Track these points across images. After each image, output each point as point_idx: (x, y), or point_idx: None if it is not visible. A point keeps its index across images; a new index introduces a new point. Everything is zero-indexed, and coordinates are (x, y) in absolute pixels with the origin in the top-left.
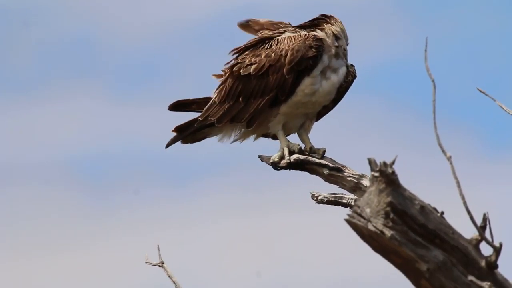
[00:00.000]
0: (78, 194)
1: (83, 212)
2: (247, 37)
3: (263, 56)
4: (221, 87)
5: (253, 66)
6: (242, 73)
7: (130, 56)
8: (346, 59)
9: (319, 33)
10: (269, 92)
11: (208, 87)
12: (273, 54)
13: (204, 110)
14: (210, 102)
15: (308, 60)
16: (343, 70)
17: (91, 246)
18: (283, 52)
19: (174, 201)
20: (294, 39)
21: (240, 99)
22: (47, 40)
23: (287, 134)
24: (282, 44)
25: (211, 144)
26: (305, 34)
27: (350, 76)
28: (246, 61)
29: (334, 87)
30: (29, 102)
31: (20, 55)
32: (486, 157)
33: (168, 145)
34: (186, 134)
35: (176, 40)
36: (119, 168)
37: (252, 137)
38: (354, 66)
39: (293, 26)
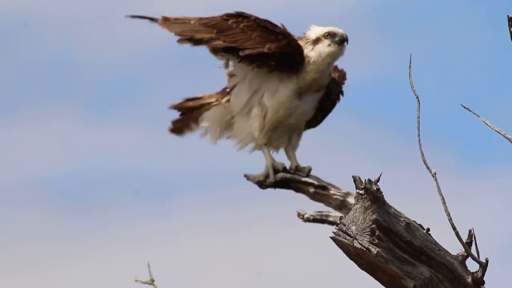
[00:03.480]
0: (56, 215)
1: (63, 232)
2: None
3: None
4: None
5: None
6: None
7: (107, 77)
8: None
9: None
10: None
11: None
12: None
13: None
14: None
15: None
16: (317, 95)
17: (74, 266)
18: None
19: (155, 219)
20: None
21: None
22: (22, 61)
23: (275, 150)
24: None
25: (192, 161)
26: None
27: (333, 95)
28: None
29: (311, 109)
30: (4, 124)
31: None
32: (467, 173)
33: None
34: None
35: (152, 60)
36: (97, 187)
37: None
38: (340, 84)
39: None
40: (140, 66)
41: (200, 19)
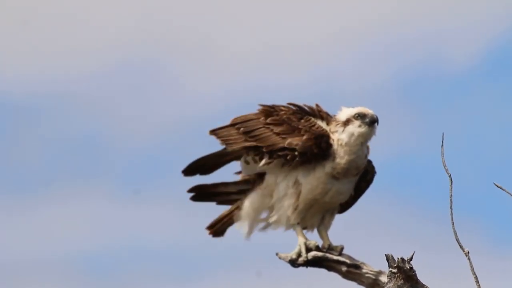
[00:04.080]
0: None
1: None
2: None
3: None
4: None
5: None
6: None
7: (138, 154)
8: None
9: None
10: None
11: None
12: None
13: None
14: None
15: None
16: (353, 179)
17: None
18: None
19: None
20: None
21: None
22: (54, 138)
23: (309, 229)
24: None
25: (223, 239)
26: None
27: (369, 175)
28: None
29: (348, 189)
30: (36, 201)
31: (28, 154)
32: (498, 253)
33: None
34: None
35: (184, 138)
36: (127, 266)
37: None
38: (371, 163)
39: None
40: (172, 144)
41: (234, 120)
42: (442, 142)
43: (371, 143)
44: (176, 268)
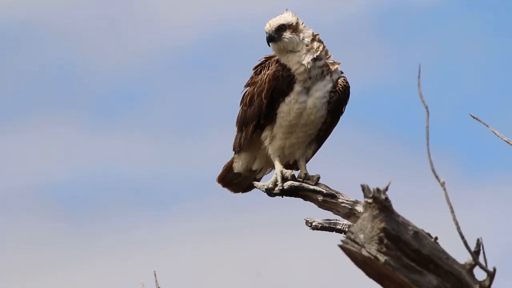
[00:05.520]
0: (58, 221)
1: (65, 239)
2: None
3: (255, 84)
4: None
5: (248, 97)
6: (244, 103)
7: (110, 84)
8: (327, 70)
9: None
10: (255, 117)
11: (189, 116)
12: (258, 81)
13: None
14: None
15: (282, 87)
16: (325, 83)
17: (76, 272)
18: (264, 78)
19: (158, 226)
20: (271, 64)
21: (243, 127)
22: (25, 68)
23: (289, 161)
24: (265, 69)
25: (197, 167)
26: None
27: (338, 86)
28: (246, 91)
29: (320, 102)
30: (7, 130)
31: (1, 84)
32: (472, 181)
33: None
34: (228, 180)
35: (156, 68)
36: (100, 194)
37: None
38: (345, 78)
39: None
40: (143, 75)
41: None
42: (419, 74)
43: (351, 76)
44: (145, 196)
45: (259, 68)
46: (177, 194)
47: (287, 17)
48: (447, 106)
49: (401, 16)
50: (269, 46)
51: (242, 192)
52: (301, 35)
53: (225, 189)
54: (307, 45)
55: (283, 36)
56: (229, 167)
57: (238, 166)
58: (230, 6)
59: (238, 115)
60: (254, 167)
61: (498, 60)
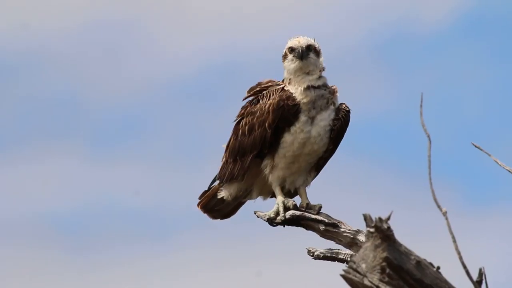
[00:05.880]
0: (58, 252)
1: (64, 269)
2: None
3: (254, 113)
4: (228, 146)
5: (246, 126)
6: (241, 132)
7: (109, 114)
8: (331, 99)
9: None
10: (256, 148)
11: (190, 145)
12: (258, 111)
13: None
14: (221, 163)
15: (288, 117)
16: (329, 113)
17: None
18: (266, 108)
19: (159, 256)
20: (272, 94)
21: (238, 157)
22: (24, 97)
23: (290, 190)
24: (265, 99)
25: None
26: (281, 89)
27: (341, 113)
28: (242, 121)
29: (325, 130)
30: (6, 160)
31: (0, 113)
32: (473, 212)
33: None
34: (210, 207)
35: (156, 98)
36: (99, 225)
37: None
38: (346, 105)
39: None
40: (143, 105)
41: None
42: (421, 103)
43: (346, 101)
44: (145, 227)
45: (254, 99)
46: (178, 224)
47: (311, 40)
48: (449, 134)
49: (401, 45)
50: (301, 59)
51: (221, 218)
52: (320, 59)
53: (205, 215)
54: (320, 71)
55: (309, 56)
56: (212, 195)
57: (226, 195)
58: (230, 35)
59: (230, 145)
60: (247, 196)
61: (500, 87)
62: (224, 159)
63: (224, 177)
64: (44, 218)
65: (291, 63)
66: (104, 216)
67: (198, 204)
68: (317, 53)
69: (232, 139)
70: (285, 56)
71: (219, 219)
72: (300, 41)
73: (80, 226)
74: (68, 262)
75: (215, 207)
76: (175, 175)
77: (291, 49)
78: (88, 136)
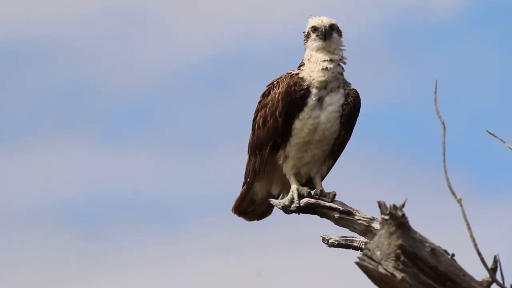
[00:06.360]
0: (71, 238)
1: (77, 256)
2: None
3: (267, 105)
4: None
5: (261, 119)
6: (256, 126)
7: (122, 103)
8: (343, 83)
9: (302, 72)
10: (271, 138)
11: (201, 133)
12: (270, 102)
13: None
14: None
15: (297, 102)
16: (339, 97)
17: None
18: (276, 97)
19: (170, 242)
20: (281, 83)
21: (256, 151)
22: (39, 87)
23: (305, 179)
24: (275, 89)
25: (211, 184)
26: (289, 76)
27: (350, 98)
28: (258, 116)
29: (334, 116)
30: (19, 149)
31: (12, 102)
32: (486, 200)
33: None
34: (244, 209)
35: (167, 87)
36: (111, 212)
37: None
38: (355, 89)
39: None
40: (154, 93)
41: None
42: (436, 89)
43: (360, 89)
44: (157, 215)
45: (266, 91)
46: (191, 212)
47: (333, 20)
48: (463, 121)
49: (413, 32)
50: (324, 38)
51: (257, 219)
52: (342, 39)
53: (240, 218)
54: (341, 51)
55: (332, 35)
56: (243, 196)
57: (257, 194)
58: (239, 23)
59: (250, 141)
60: (274, 192)
61: (507, 74)
62: (247, 158)
63: (248, 174)
64: (57, 205)
65: (314, 42)
66: (116, 204)
67: (232, 209)
68: (340, 33)
69: (250, 135)
70: (307, 36)
71: (256, 220)
72: (323, 21)
73: (93, 213)
74: (81, 249)
75: (248, 208)
76: (187, 163)
77: (314, 28)
78: (100, 124)
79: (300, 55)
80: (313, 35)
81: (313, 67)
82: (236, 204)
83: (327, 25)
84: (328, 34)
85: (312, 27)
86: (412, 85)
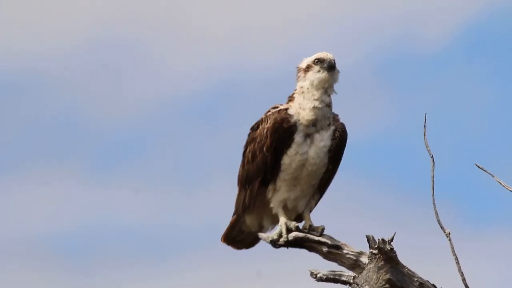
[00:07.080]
0: (57, 272)
1: None
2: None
3: (255, 139)
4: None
5: (250, 153)
6: (246, 161)
7: (110, 135)
8: (333, 121)
9: (291, 107)
10: (260, 173)
11: (190, 167)
12: (258, 137)
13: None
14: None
15: (284, 138)
16: (329, 134)
17: None
18: (264, 132)
19: (157, 276)
20: (269, 118)
21: (246, 185)
22: (27, 119)
23: (294, 214)
24: (263, 123)
25: (197, 219)
26: (277, 112)
27: (337, 132)
28: (247, 150)
29: (323, 151)
30: (6, 182)
31: (1, 134)
32: (474, 234)
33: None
34: (233, 238)
35: (156, 119)
36: (98, 246)
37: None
38: (343, 124)
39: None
40: (143, 125)
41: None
42: (425, 122)
43: (348, 121)
44: (145, 248)
45: (255, 125)
46: (179, 245)
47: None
48: (451, 154)
49: (403, 64)
50: (330, 70)
51: (246, 248)
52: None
53: (229, 247)
54: (333, 91)
55: (336, 69)
56: (232, 225)
57: (248, 226)
58: (230, 55)
59: (239, 174)
60: (265, 224)
61: (503, 107)
62: (237, 190)
63: (238, 207)
64: (44, 239)
65: (317, 74)
66: (103, 238)
67: (221, 238)
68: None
69: (240, 167)
70: (307, 69)
71: (244, 249)
72: (328, 54)
73: (79, 247)
74: (67, 283)
75: (237, 237)
76: (176, 196)
77: (319, 60)
78: (88, 158)
79: (289, 87)
80: (316, 67)
81: (304, 104)
82: (226, 233)
83: (333, 59)
84: (335, 67)
85: (316, 59)
86: (401, 117)
